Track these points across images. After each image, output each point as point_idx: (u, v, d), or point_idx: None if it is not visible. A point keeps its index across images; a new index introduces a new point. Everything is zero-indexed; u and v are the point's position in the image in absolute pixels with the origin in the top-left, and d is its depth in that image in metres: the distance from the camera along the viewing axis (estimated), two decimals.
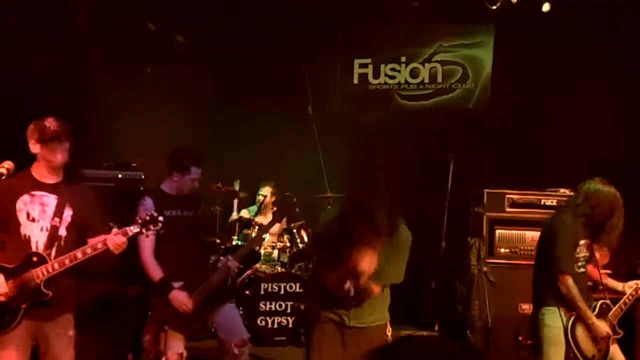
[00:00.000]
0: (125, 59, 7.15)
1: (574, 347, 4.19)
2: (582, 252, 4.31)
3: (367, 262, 3.21)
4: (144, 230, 3.64)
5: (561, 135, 7.27)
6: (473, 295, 6.29)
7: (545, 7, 7.28)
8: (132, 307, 5.41)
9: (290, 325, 6.28)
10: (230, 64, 8.32)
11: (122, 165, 5.72)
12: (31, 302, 3.45)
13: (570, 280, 4.19)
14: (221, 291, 4.46)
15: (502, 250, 6.02)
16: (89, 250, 3.50)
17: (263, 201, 7.11)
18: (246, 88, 8.25)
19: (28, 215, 3.53)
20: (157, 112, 7.39)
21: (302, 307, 6.19)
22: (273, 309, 6.26)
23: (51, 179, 3.63)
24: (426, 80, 8.36)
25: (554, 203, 5.93)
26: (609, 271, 5.99)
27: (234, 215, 7.10)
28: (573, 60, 7.33)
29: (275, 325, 6.26)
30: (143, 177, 5.72)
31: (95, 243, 3.53)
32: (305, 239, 6.72)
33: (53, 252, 3.53)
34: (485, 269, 6.15)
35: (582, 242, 4.28)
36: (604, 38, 7.36)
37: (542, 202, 6.00)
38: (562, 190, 6.07)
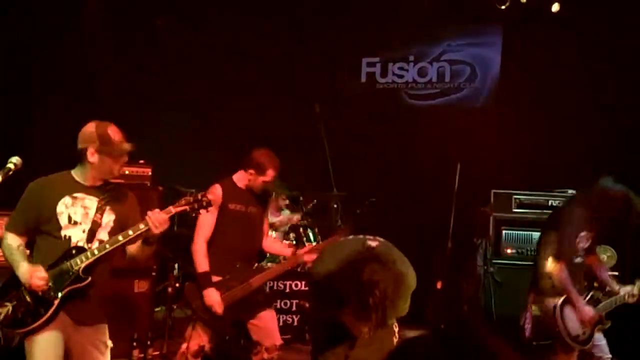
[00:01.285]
0: (132, 56, 7.17)
1: (560, 323, 4.38)
2: (581, 243, 4.48)
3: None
4: (188, 209, 3.50)
5: (569, 135, 7.23)
6: (479, 295, 6.28)
7: (555, 7, 7.26)
8: (137, 303, 5.44)
9: (296, 324, 6.28)
10: (237, 61, 8.33)
11: (129, 161, 5.73)
12: (69, 289, 3.29)
13: (564, 268, 4.36)
14: (259, 296, 4.46)
15: (509, 250, 6.01)
16: (130, 232, 3.35)
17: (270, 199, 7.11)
18: (254, 86, 8.26)
19: (70, 218, 3.39)
20: (165, 109, 7.41)
21: (308, 305, 6.20)
22: (278, 307, 6.26)
23: (94, 182, 3.49)
24: (434, 80, 8.35)
25: (561, 204, 5.91)
26: (615, 273, 5.99)
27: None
28: (582, 60, 7.31)
29: (281, 323, 6.22)
30: (151, 173, 5.75)
31: (138, 224, 3.37)
32: (311, 237, 6.73)
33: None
34: (491, 269, 6.14)
35: (583, 233, 4.47)
36: (612, 39, 7.32)
37: (549, 203, 5.99)
38: (569, 191, 6.05)
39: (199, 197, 3.55)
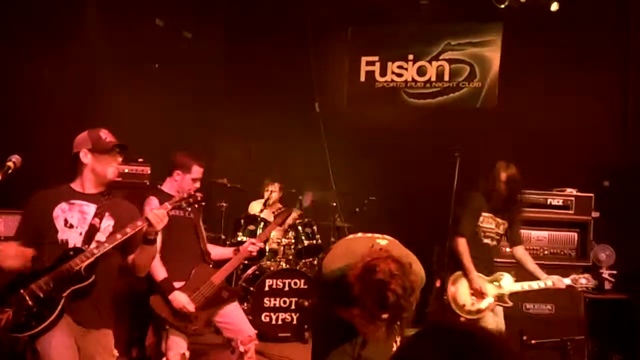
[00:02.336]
0: (133, 55, 7.16)
1: (449, 293, 4.95)
2: (487, 224, 5.00)
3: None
4: (183, 204, 3.60)
5: (568, 134, 7.24)
6: None
7: (554, 6, 7.26)
8: (137, 302, 5.43)
9: (295, 322, 6.29)
10: (237, 61, 8.34)
11: (128, 159, 5.74)
12: (72, 289, 3.29)
13: (462, 241, 4.92)
14: (223, 292, 4.47)
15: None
16: (128, 230, 3.36)
17: (269, 197, 7.13)
18: (253, 86, 8.26)
19: (66, 221, 3.42)
20: (164, 109, 7.41)
21: (307, 303, 6.21)
22: (277, 305, 6.27)
23: (92, 190, 3.54)
24: (433, 79, 8.36)
25: (560, 203, 5.91)
26: (614, 272, 6.01)
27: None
28: (581, 60, 7.31)
29: (280, 322, 6.27)
30: (150, 172, 5.75)
31: (135, 222, 3.39)
32: (310, 235, 6.73)
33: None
34: None
35: (485, 214, 4.99)
36: (612, 38, 7.33)
37: (548, 202, 5.98)
38: (568, 190, 6.05)
39: (192, 192, 3.68)
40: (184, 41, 8.01)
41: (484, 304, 4.88)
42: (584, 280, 4.94)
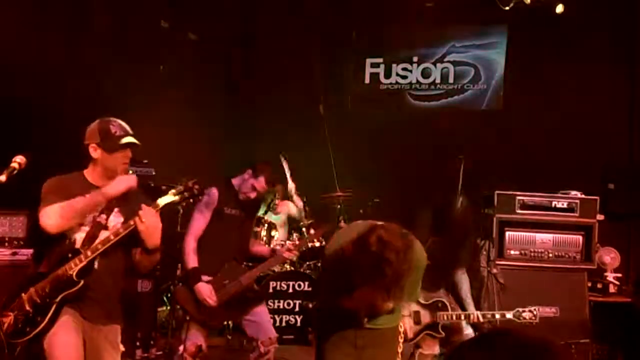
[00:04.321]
0: (138, 56, 7.17)
1: None
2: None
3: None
4: (178, 199, 3.43)
5: (573, 137, 7.23)
6: (482, 297, 6.25)
7: (559, 8, 7.25)
8: (141, 303, 5.45)
9: (299, 324, 6.29)
10: (241, 62, 8.35)
11: (133, 161, 5.73)
12: (63, 295, 3.23)
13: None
14: (249, 293, 4.52)
15: (512, 252, 5.97)
16: (121, 230, 3.26)
17: (272, 200, 7.12)
18: (258, 87, 8.27)
19: None
20: (168, 110, 7.41)
21: (311, 305, 6.20)
22: (281, 307, 6.27)
23: (104, 182, 3.39)
24: (438, 81, 8.35)
25: (565, 205, 5.89)
26: (619, 275, 5.98)
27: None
28: (586, 62, 7.30)
29: (284, 324, 6.26)
30: (154, 173, 5.76)
31: (128, 221, 3.28)
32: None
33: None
34: (494, 270, 6.11)
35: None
36: (617, 39, 7.32)
37: (553, 205, 5.95)
38: (573, 192, 6.03)
39: (190, 185, 3.44)
40: (189, 43, 8.02)
41: (415, 335, 4.52)
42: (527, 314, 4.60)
